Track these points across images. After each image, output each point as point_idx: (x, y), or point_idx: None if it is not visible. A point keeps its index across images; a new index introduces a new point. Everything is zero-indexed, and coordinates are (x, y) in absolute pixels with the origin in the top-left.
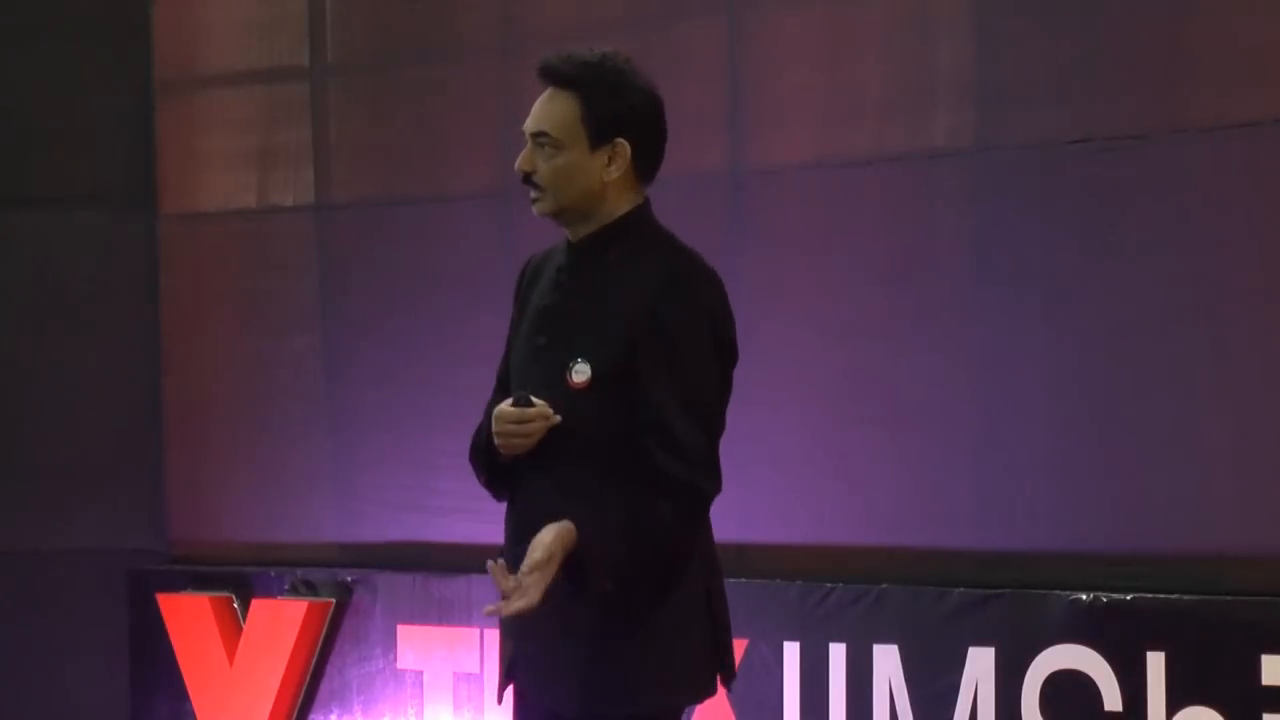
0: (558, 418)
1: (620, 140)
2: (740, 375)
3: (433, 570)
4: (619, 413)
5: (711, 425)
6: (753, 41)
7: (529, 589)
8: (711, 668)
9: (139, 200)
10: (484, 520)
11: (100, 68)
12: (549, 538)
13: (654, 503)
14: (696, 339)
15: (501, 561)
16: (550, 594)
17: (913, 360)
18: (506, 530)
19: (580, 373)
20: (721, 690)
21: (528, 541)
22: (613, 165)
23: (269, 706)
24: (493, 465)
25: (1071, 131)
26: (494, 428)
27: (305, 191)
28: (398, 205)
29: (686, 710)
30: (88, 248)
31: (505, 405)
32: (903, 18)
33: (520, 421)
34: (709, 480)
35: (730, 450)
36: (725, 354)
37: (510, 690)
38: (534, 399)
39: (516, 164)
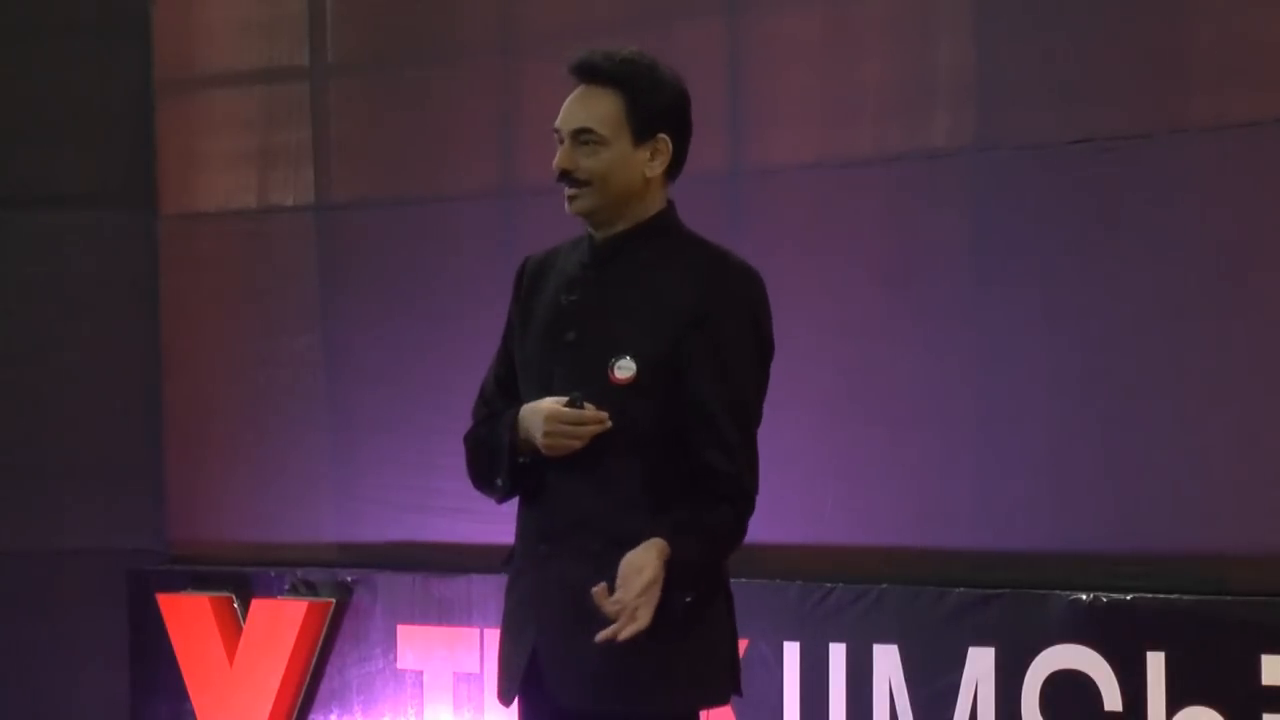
0: (610, 423)
1: (662, 136)
2: None
3: (433, 570)
4: (659, 409)
5: (752, 423)
6: (753, 41)
7: (639, 611)
8: (729, 672)
9: (139, 200)
10: (484, 520)
11: (100, 68)
12: (652, 558)
13: (716, 506)
14: (741, 337)
15: (604, 586)
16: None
17: (912, 360)
18: (529, 528)
19: (624, 369)
20: None
21: (554, 541)
22: (655, 161)
23: (269, 706)
24: (513, 465)
25: (1071, 131)
26: (545, 427)
27: (305, 191)
28: (398, 205)
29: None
30: (88, 248)
31: (556, 404)
32: (903, 18)
33: (577, 423)
34: (753, 478)
35: None
36: (765, 351)
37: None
38: (586, 403)
39: (556, 162)
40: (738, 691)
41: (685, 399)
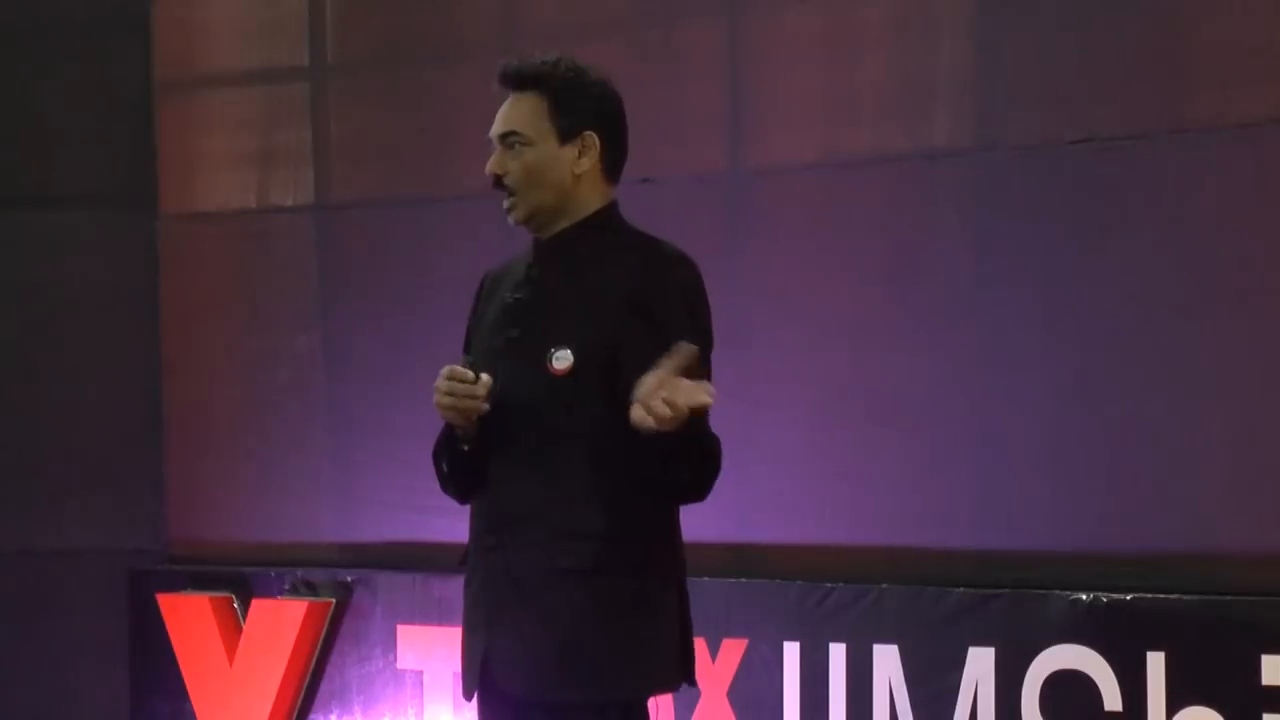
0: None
1: (588, 133)
2: (740, 375)
3: (433, 570)
4: (601, 397)
5: None
6: (753, 41)
7: (698, 391)
8: (679, 661)
9: (139, 200)
10: None
11: (100, 68)
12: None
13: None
14: (677, 321)
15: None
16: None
17: (912, 360)
18: (478, 521)
19: (562, 359)
20: (722, 690)
21: (500, 531)
22: (583, 158)
23: (269, 706)
24: (460, 460)
25: (1071, 131)
26: (440, 391)
27: (305, 191)
28: (398, 205)
29: (687, 710)
30: (88, 248)
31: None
32: (903, 18)
33: (453, 380)
34: None
35: (730, 450)
36: (704, 341)
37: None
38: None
39: (488, 168)
40: (689, 681)
41: (624, 385)
